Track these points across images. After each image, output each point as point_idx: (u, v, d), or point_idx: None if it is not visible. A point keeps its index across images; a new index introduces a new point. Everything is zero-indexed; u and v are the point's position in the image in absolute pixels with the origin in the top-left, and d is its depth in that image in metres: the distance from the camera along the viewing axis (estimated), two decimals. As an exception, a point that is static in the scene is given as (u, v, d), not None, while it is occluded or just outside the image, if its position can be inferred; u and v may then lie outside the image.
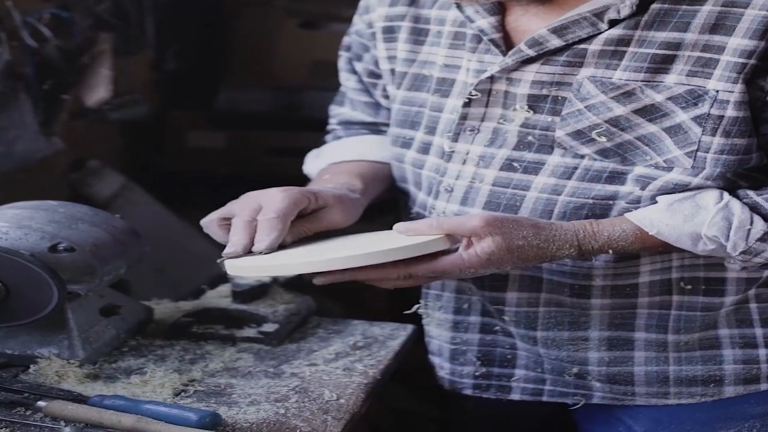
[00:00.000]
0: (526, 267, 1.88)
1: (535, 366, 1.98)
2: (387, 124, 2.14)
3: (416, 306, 2.03)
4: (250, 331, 2.05)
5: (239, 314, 2.08)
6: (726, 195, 1.80)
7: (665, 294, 1.90)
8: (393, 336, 2.10)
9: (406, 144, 2.03)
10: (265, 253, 1.81)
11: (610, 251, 1.81)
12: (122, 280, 2.51)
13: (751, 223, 1.78)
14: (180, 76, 3.43)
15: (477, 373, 2.01)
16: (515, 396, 2.01)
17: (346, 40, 2.19)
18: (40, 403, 1.70)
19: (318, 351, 2.02)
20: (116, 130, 3.21)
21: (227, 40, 3.56)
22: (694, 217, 1.78)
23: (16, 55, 2.52)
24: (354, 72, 2.18)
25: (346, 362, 1.97)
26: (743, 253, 1.79)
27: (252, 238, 1.82)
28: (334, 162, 2.15)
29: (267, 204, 1.84)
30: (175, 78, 3.42)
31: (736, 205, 1.79)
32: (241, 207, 1.87)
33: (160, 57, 3.33)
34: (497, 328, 1.98)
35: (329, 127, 2.26)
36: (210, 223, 1.89)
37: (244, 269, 1.81)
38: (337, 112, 2.24)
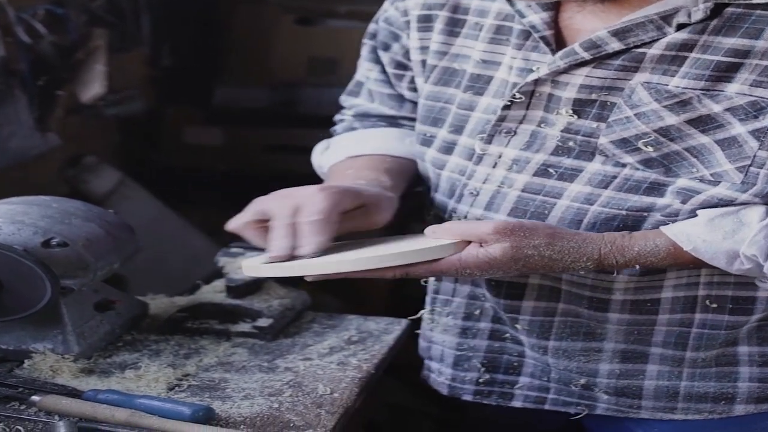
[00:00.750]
0: (544, 276, 1.82)
1: (542, 374, 1.92)
2: (410, 118, 2.05)
3: (422, 312, 1.98)
4: (244, 326, 2.05)
5: (234, 309, 2.08)
6: None
7: (687, 311, 1.81)
8: (387, 330, 2.11)
9: (427, 142, 1.94)
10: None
11: (637, 266, 1.74)
12: (118, 276, 2.52)
13: None
14: (176, 73, 3.45)
15: (480, 380, 1.95)
16: (517, 403, 1.95)
17: (372, 27, 2.07)
18: (34, 398, 1.71)
19: (312, 345, 2.02)
20: (113, 126, 3.23)
21: (223, 36, 3.57)
22: (735, 234, 1.69)
23: (10, 52, 2.53)
24: (377, 62, 2.06)
25: (340, 356, 1.97)
26: None
27: (294, 241, 1.71)
28: (352, 155, 2.02)
29: (307, 204, 1.71)
30: (172, 74, 3.44)
31: None
32: (278, 208, 1.73)
33: (156, 53, 3.35)
34: (507, 335, 1.92)
35: (339, 118, 2.14)
36: (244, 226, 1.76)
37: (261, 270, 1.74)
38: (352, 103, 2.11)
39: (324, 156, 2.07)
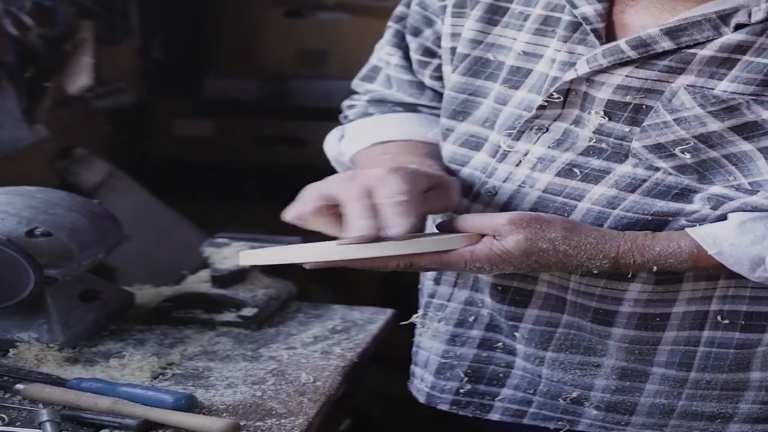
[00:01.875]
0: (552, 284, 1.75)
1: (527, 387, 1.83)
2: (430, 107, 1.95)
3: (414, 316, 1.89)
4: (229, 316, 2.06)
5: (219, 299, 2.09)
6: None
7: (696, 328, 1.72)
8: (372, 320, 2.12)
9: (444, 136, 1.84)
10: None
11: (655, 268, 1.65)
12: (106, 267, 2.54)
13: None
14: (166, 65, 3.45)
15: (461, 390, 1.87)
16: (494, 416, 1.86)
17: (400, 10, 1.96)
18: (19, 386, 1.73)
19: (297, 335, 2.04)
20: (102, 118, 3.24)
21: (213, 28, 3.58)
22: (764, 240, 1.62)
23: (-2, 44, 2.55)
24: (400, 47, 1.95)
25: (324, 345, 1.99)
26: None
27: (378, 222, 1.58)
28: (378, 142, 1.91)
29: (380, 186, 1.58)
30: (161, 66, 3.44)
31: None
32: (348, 191, 1.59)
33: (145, 45, 3.36)
34: (499, 344, 1.84)
35: (350, 104, 2.03)
36: (308, 214, 1.61)
37: (259, 257, 1.68)
38: (368, 89, 2.00)
39: (343, 143, 1.97)
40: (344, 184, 1.60)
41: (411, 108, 1.97)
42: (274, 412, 1.72)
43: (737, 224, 1.63)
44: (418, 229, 1.65)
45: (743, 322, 1.72)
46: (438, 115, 1.90)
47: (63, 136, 2.94)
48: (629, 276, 1.70)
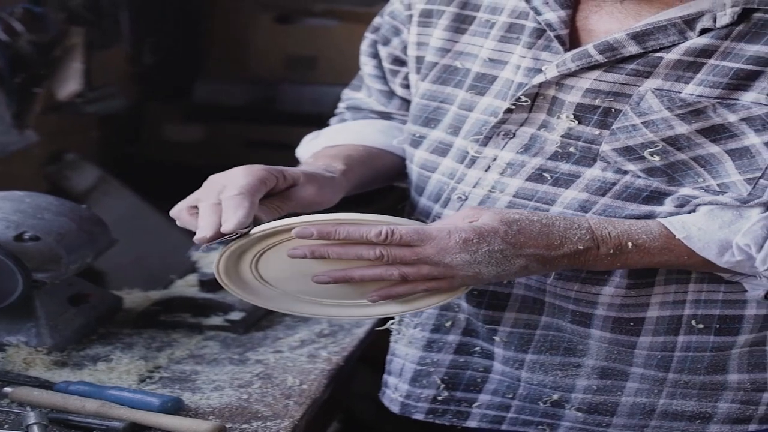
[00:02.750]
0: (528, 287, 1.74)
1: (506, 391, 1.83)
2: (400, 115, 1.99)
3: (389, 322, 1.90)
4: (216, 320, 2.09)
5: (206, 303, 2.11)
6: None
7: (671, 334, 1.74)
8: (358, 324, 2.13)
9: (416, 143, 1.87)
10: (238, 235, 1.65)
11: (630, 244, 1.65)
12: (96, 271, 2.55)
13: None
14: (156, 70, 3.47)
15: (438, 397, 1.87)
16: (472, 423, 1.86)
17: (376, 21, 2.01)
18: (6, 389, 1.75)
19: (284, 339, 2.05)
20: (93, 122, 3.25)
21: (203, 34, 3.60)
22: (732, 224, 1.64)
23: (-12, 50, 2.56)
24: (374, 56, 2.00)
25: (310, 349, 2.01)
26: None
27: (220, 219, 1.64)
28: (328, 146, 1.97)
29: (230, 183, 1.66)
30: (152, 71, 3.46)
31: None
32: (205, 192, 1.68)
33: (136, 51, 3.37)
34: (476, 349, 1.84)
35: (337, 111, 2.09)
36: (179, 212, 1.72)
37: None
38: (350, 96, 2.07)
39: (308, 147, 2.03)
40: (207, 186, 1.69)
41: (385, 115, 2.01)
42: (259, 415, 1.74)
43: (706, 212, 1.66)
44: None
45: (717, 326, 1.74)
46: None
47: (53, 141, 2.95)
48: (603, 279, 1.72)
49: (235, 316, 2.08)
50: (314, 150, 1.98)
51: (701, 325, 1.73)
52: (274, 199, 1.71)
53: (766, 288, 1.69)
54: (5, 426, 1.66)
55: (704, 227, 1.64)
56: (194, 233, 1.67)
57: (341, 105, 2.08)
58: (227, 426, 1.68)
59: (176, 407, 1.71)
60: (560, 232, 1.64)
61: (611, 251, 1.65)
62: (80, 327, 2.00)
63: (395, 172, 1.97)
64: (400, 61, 1.96)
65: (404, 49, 1.94)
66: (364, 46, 2.02)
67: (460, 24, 1.85)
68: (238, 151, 3.33)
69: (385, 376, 1.94)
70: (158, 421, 1.67)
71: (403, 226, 1.62)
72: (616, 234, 1.65)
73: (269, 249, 1.67)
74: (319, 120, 2.18)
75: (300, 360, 1.96)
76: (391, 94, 2.00)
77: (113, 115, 3.24)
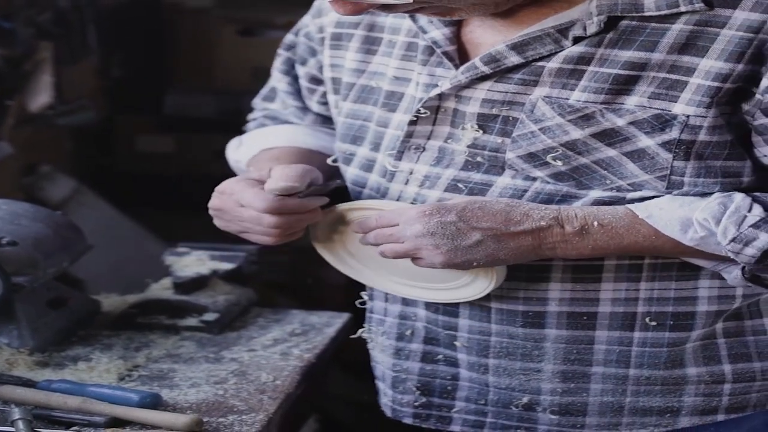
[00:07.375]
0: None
1: (478, 398, 1.84)
2: (313, 128, 2.06)
3: (360, 330, 1.94)
4: (192, 321, 2.14)
5: (181, 304, 2.17)
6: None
7: (626, 330, 1.76)
8: (329, 324, 2.21)
9: (347, 160, 1.91)
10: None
11: (595, 223, 1.67)
12: (74, 278, 2.61)
13: (750, 210, 1.65)
14: (126, 82, 3.53)
15: (417, 403, 1.88)
16: (456, 427, 1.87)
17: (289, 39, 2.06)
18: (-9, 388, 1.80)
19: (257, 338, 2.12)
20: (66, 135, 3.29)
21: (170, 47, 3.66)
22: (692, 203, 1.67)
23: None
24: (288, 74, 2.06)
25: (283, 348, 2.07)
26: (733, 240, 1.64)
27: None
28: (266, 148, 2.03)
29: (248, 203, 1.82)
30: (122, 84, 3.52)
31: (738, 196, 1.67)
32: (226, 208, 1.87)
33: (105, 64, 3.42)
34: (440, 357, 1.85)
35: (251, 117, 2.15)
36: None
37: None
38: (266, 107, 2.12)
39: (239, 151, 2.09)
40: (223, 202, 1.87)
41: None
42: (235, 409, 1.81)
43: (668, 196, 1.68)
44: None
45: (671, 323, 1.76)
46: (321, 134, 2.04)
47: (28, 153, 3.00)
48: (547, 276, 1.75)
49: (210, 317, 2.14)
50: (251, 154, 2.04)
51: (654, 323, 1.75)
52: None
53: (738, 267, 1.70)
54: (-9, 423, 1.71)
55: (665, 207, 1.67)
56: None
57: (257, 114, 2.13)
58: (204, 420, 1.74)
59: (155, 402, 1.77)
60: (524, 211, 1.68)
61: (576, 229, 1.68)
62: (60, 329, 2.05)
63: (331, 173, 1.99)
64: (317, 80, 2.01)
65: (320, 69, 1.99)
66: (278, 63, 2.07)
67: (371, 45, 1.90)
68: (208, 160, 3.38)
69: (375, 381, 1.98)
70: (138, 415, 1.73)
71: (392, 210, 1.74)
72: (582, 215, 1.68)
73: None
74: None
75: (273, 358, 2.02)
76: (306, 110, 2.06)
77: (86, 128, 3.29)
